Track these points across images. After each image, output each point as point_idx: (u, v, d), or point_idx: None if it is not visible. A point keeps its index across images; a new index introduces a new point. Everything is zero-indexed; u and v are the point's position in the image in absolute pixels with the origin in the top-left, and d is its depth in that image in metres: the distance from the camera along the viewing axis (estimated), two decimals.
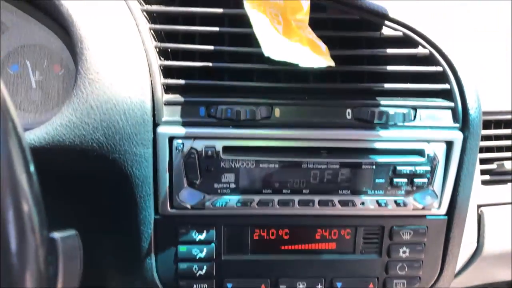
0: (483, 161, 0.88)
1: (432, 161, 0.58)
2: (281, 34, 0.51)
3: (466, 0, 1.07)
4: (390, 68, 0.60)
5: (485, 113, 0.86)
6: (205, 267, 0.61)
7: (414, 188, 0.59)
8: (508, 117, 0.89)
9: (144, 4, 0.59)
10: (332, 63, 0.52)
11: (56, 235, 0.42)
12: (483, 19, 1.00)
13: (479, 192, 0.87)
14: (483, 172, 0.88)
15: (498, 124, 0.89)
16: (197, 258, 0.60)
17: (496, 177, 0.89)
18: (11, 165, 0.34)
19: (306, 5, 0.54)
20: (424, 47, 0.60)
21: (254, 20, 0.49)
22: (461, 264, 0.91)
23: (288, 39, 0.51)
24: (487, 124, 0.89)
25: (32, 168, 0.37)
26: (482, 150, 0.88)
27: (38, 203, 0.36)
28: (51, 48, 0.66)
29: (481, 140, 0.87)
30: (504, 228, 0.88)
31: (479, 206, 0.87)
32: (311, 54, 0.50)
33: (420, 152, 0.58)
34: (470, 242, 0.87)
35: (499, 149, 0.90)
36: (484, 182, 0.88)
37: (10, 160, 0.34)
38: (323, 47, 0.53)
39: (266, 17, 0.51)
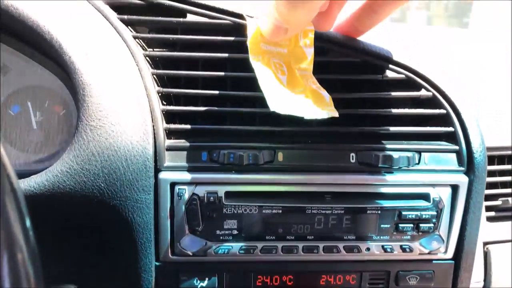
0: (487, 197, 0.87)
1: (437, 205, 0.58)
2: (286, 85, 0.51)
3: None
4: (393, 111, 0.59)
5: (488, 149, 0.86)
6: None
7: (420, 233, 0.58)
8: (511, 152, 0.88)
9: (146, 49, 0.59)
10: (336, 114, 0.52)
11: None
12: (482, 56, 1.01)
13: (484, 229, 0.86)
14: (488, 208, 0.87)
15: (501, 159, 0.89)
16: None
17: (502, 214, 0.88)
18: (6, 221, 0.34)
19: (310, 54, 0.54)
20: (427, 89, 0.60)
21: (259, 74, 0.49)
22: None
23: (293, 91, 0.51)
24: (490, 160, 0.88)
25: (28, 223, 0.36)
26: (486, 186, 0.87)
27: (34, 258, 0.35)
28: (52, 89, 0.66)
29: None
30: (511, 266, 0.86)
31: (485, 244, 0.86)
32: (315, 107, 0.50)
33: (425, 197, 0.58)
34: (477, 281, 0.86)
35: (503, 184, 0.89)
36: (490, 219, 0.87)
37: (6, 216, 0.34)
38: (327, 97, 0.53)
39: (270, 70, 0.51)
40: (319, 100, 0.52)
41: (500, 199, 0.87)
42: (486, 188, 0.87)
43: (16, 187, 0.35)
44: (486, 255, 0.86)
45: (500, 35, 1.15)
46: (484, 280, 0.86)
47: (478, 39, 1.11)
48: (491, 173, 0.88)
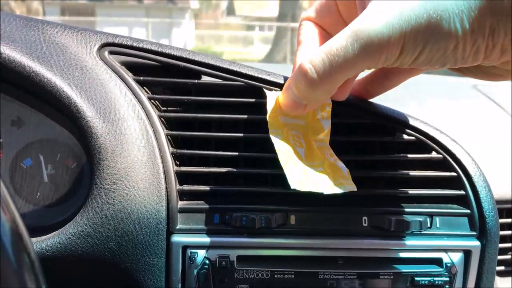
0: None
1: (450, 270, 0.57)
2: (304, 158, 0.52)
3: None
4: (404, 173, 0.60)
5: (498, 202, 0.86)
6: None
7: None
8: None
9: (161, 109, 0.60)
10: (354, 189, 0.52)
11: None
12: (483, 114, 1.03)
13: (496, 285, 0.85)
14: (498, 263, 0.86)
15: (510, 212, 0.89)
16: None
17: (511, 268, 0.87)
18: None
19: (327, 126, 0.55)
20: (437, 152, 0.61)
21: (279, 150, 0.50)
22: None
23: (311, 165, 0.52)
24: (499, 213, 0.88)
25: None
26: None
27: None
28: (65, 143, 0.67)
29: None
30: None
31: None
32: (334, 181, 0.51)
33: (438, 261, 0.57)
34: None
35: None
36: (500, 273, 0.86)
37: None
38: (345, 170, 0.54)
39: (289, 145, 0.52)
40: (337, 174, 0.53)
41: (510, 253, 0.87)
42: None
43: (33, 258, 0.35)
44: None
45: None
46: None
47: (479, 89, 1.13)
48: (501, 227, 0.88)
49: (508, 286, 0.86)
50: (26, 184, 0.66)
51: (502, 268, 0.86)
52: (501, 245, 0.86)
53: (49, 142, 0.67)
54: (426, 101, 0.95)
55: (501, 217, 0.87)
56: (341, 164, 0.55)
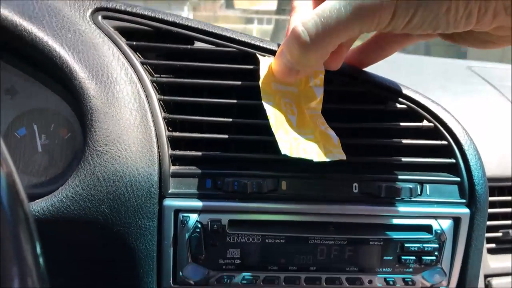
0: (488, 229, 0.87)
1: (440, 237, 0.58)
2: (295, 126, 0.53)
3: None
4: (395, 141, 0.60)
5: (490, 180, 0.87)
6: None
7: (422, 265, 0.58)
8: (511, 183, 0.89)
9: (154, 75, 0.60)
10: (344, 157, 0.53)
11: None
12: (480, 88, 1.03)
13: (485, 262, 0.85)
14: (488, 240, 0.87)
15: (501, 190, 0.89)
16: None
17: (503, 246, 0.88)
18: (19, 247, 0.34)
19: (319, 94, 0.56)
20: (429, 120, 0.61)
21: (271, 117, 0.51)
22: None
23: (302, 132, 0.52)
24: (491, 191, 0.89)
25: (39, 249, 0.36)
26: (487, 217, 0.88)
27: (43, 285, 0.35)
28: (58, 112, 0.67)
29: None
30: None
31: (486, 276, 0.86)
32: (324, 149, 0.52)
33: (427, 228, 0.58)
34: None
35: (504, 216, 0.89)
36: (490, 251, 0.87)
37: (18, 243, 0.34)
38: (335, 139, 0.54)
39: (281, 112, 0.52)
40: (328, 142, 0.53)
41: (500, 231, 0.87)
42: (487, 220, 0.87)
43: (28, 213, 0.35)
44: None
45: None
46: None
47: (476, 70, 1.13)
48: (492, 205, 0.88)
49: (498, 264, 0.86)
50: (20, 154, 0.66)
51: (493, 245, 0.87)
52: (492, 223, 0.87)
53: (42, 112, 0.67)
54: (420, 82, 0.95)
55: (502, 195, 0.88)
56: (331, 133, 0.55)
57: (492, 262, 0.86)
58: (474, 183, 0.59)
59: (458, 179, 0.59)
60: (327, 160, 0.51)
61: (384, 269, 0.58)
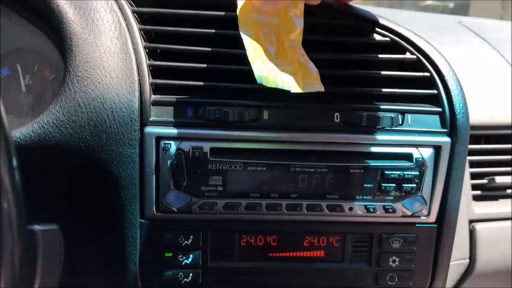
0: (474, 176, 0.88)
1: (420, 166, 0.58)
2: (274, 56, 0.52)
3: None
4: (378, 73, 0.60)
5: (476, 128, 0.87)
6: (191, 275, 0.59)
7: (403, 193, 0.58)
8: (498, 131, 0.89)
9: (134, 5, 0.60)
10: (322, 89, 0.53)
11: (36, 227, 0.41)
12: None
13: (470, 208, 0.86)
14: (474, 187, 0.88)
15: (488, 139, 0.90)
16: (183, 264, 0.58)
17: (488, 193, 0.89)
18: None
19: (299, 25, 0.55)
20: (411, 53, 0.61)
21: (248, 45, 0.51)
22: (453, 281, 0.89)
23: (280, 63, 0.52)
24: (477, 139, 0.89)
25: (15, 162, 0.36)
26: (473, 165, 0.88)
27: (17, 195, 0.36)
28: (42, 53, 0.67)
29: (472, 155, 0.88)
30: (497, 244, 0.87)
31: (470, 222, 0.87)
32: (302, 81, 0.52)
33: (408, 157, 0.58)
34: (463, 258, 0.86)
35: (490, 164, 0.90)
36: (476, 198, 0.88)
37: None
38: (314, 71, 0.54)
39: (259, 41, 0.52)
40: (306, 74, 0.53)
41: (486, 178, 0.88)
42: (473, 167, 0.88)
43: (5, 124, 0.35)
44: (471, 233, 0.86)
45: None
46: (470, 258, 0.87)
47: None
48: (478, 153, 0.89)
49: (483, 210, 0.87)
50: (3, 94, 0.66)
51: (478, 192, 0.88)
52: (478, 170, 0.88)
53: (26, 52, 0.67)
54: None
55: (489, 143, 0.89)
56: (311, 65, 0.55)
57: (477, 208, 0.87)
58: (456, 112, 0.59)
59: (440, 109, 0.60)
60: (305, 91, 0.52)
61: (364, 197, 0.58)
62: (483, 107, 0.88)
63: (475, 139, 0.88)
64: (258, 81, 0.50)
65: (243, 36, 0.52)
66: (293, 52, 0.55)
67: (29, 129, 0.54)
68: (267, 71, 0.51)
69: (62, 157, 0.55)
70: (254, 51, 0.52)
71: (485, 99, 0.89)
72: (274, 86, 0.51)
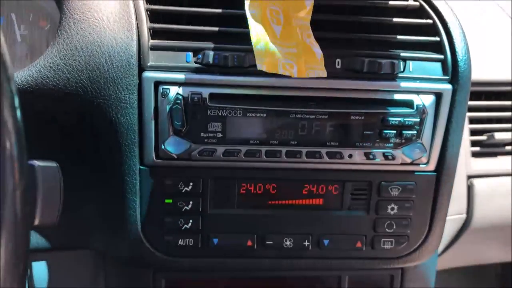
0: (473, 133, 0.88)
1: (421, 112, 0.58)
2: (279, 37, 0.52)
3: None
4: (380, 19, 0.59)
5: (477, 84, 0.86)
6: (191, 221, 0.59)
7: (403, 140, 0.58)
8: (499, 88, 0.89)
9: None
10: (324, 74, 0.53)
11: (36, 163, 0.41)
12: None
13: (469, 164, 0.87)
14: (473, 143, 0.88)
15: (488, 95, 0.89)
16: (183, 210, 0.59)
17: (487, 149, 0.89)
18: None
19: (309, 4, 0.54)
20: None
21: (252, 28, 0.51)
22: (450, 236, 0.90)
23: (285, 44, 0.52)
24: (478, 96, 0.89)
25: (17, 101, 0.35)
26: (473, 121, 0.88)
27: (18, 130, 0.35)
28: (37, 2, 0.65)
29: (472, 111, 0.87)
30: (494, 199, 0.87)
31: (469, 177, 0.87)
32: (305, 65, 0.52)
33: (409, 104, 0.58)
34: (460, 213, 0.87)
35: (490, 121, 0.90)
36: (475, 154, 0.88)
37: None
38: (319, 54, 0.54)
39: (264, 21, 0.52)
40: (310, 58, 0.53)
41: (485, 134, 0.88)
42: (472, 123, 0.88)
43: (7, 63, 0.34)
44: (469, 188, 0.87)
45: None
46: (467, 213, 0.87)
47: None
48: (478, 109, 0.89)
49: (481, 166, 0.88)
50: None
51: (477, 149, 0.88)
52: (477, 126, 0.88)
53: (21, 1, 0.65)
54: None
55: (489, 99, 0.88)
56: (316, 49, 0.55)
57: (476, 164, 0.87)
58: (458, 59, 0.59)
59: (442, 56, 0.59)
60: (306, 77, 0.52)
61: (364, 144, 0.58)
62: (484, 63, 0.87)
63: (475, 96, 0.88)
64: (258, 67, 0.51)
65: (248, 16, 0.51)
66: (299, 32, 0.54)
67: (25, 73, 0.54)
68: (268, 55, 0.51)
69: (61, 102, 0.55)
70: (257, 33, 0.51)
71: (485, 55, 0.88)
72: (274, 72, 0.51)
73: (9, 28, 0.66)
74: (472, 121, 0.88)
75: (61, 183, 0.43)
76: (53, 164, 0.43)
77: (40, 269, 0.69)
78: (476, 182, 0.86)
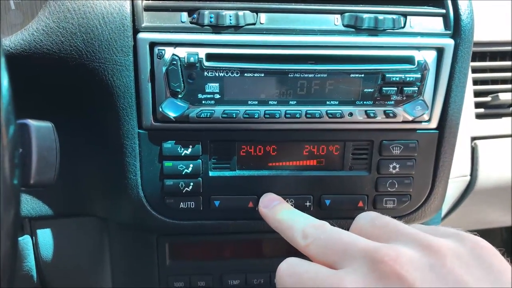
0: (477, 94, 0.86)
1: (422, 69, 0.57)
2: None
3: None
4: None
5: (480, 44, 0.85)
6: (191, 184, 0.59)
7: (404, 97, 0.57)
8: (504, 48, 0.87)
9: None
10: None
11: (29, 121, 0.41)
12: None
13: (473, 125, 0.86)
14: (477, 105, 0.87)
15: (493, 56, 0.88)
16: (183, 174, 0.59)
17: (490, 111, 0.88)
18: None
19: None
20: None
21: None
22: (454, 198, 0.90)
23: None
24: (482, 56, 0.87)
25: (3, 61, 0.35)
26: (477, 83, 0.87)
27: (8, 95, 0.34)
28: None
29: (476, 72, 0.86)
30: (498, 161, 0.87)
31: (473, 139, 0.86)
32: None
33: (410, 60, 0.56)
34: (464, 175, 0.86)
35: (494, 82, 0.88)
36: (478, 116, 0.87)
37: None
38: None
39: None
40: None
41: (490, 96, 0.87)
42: (477, 85, 0.86)
43: None
44: (473, 150, 0.86)
45: None
46: (471, 174, 0.87)
47: None
48: (483, 70, 0.87)
49: (486, 127, 0.86)
50: None
51: (481, 110, 0.87)
52: (482, 87, 0.86)
53: None
54: None
55: (494, 60, 0.87)
56: None
57: (480, 126, 0.86)
58: (460, 13, 0.57)
59: (443, 10, 0.57)
60: None
61: (365, 102, 0.57)
62: (489, 23, 0.85)
63: (480, 56, 0.86)
64: None
65: None
66: None
67: (18, 37, 0.53)
68: None
69: (55, 67, 0.54)
70: None
71: (491, 14, 0.86)
72: None
73: None
74: (476, 82, 0.86)
75: (56, 142, 0.43)
76: (48, 123, 0.43)
77: (45, 237, 0.70)
78: (480, 143, 0.85)
